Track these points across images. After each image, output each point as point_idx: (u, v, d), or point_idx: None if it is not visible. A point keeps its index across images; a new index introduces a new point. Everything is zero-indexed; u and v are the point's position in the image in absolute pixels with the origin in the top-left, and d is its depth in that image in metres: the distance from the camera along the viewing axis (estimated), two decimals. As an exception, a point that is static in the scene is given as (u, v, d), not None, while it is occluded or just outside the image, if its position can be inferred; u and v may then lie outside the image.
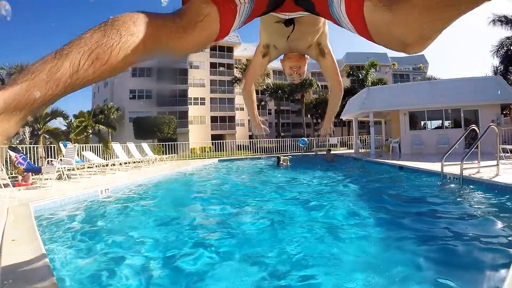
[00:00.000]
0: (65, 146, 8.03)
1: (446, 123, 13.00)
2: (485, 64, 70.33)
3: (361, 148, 16.39)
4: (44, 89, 0.57)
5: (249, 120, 33.55)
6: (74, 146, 7.19)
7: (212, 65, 34.39)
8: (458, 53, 76.34)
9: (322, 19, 1.42)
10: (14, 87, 0.55)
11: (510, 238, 2.33)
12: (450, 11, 0.56)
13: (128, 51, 0.65)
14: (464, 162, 4.54)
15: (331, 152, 11.45)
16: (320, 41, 1.56)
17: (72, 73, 0.59)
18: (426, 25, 0.59)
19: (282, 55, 1.65)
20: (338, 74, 1.75)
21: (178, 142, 17.37)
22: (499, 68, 18.94)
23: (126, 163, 9.90)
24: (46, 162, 7.60)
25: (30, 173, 6.02)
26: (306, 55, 1.63)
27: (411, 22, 0.60)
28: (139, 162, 10.86)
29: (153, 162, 10.88)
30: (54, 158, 8.74)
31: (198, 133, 30.40)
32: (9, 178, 4.80)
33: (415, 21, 0.59)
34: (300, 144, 16.70)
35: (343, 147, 20.29)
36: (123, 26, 0.65)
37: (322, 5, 0.92)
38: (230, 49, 35.65)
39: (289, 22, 1.33)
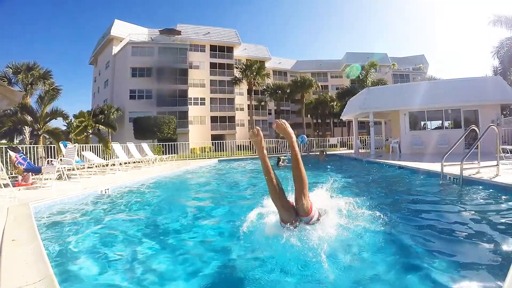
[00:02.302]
0: (65, 146, 8.03)
1: (446, 123, 12.98)
2: (485, 64, 70.29)
3: (361, 148, 16.40)
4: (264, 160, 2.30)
5: (249, 120, 33.30)
6: (74, 146, 7.19)
7: (212, 65, 34.39)
8: (458, 53, 76.37)
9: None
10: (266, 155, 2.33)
11: (510, 238, 2.33)
12: (302, 190, 2.26)
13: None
14: (464, 162, 4.54)
15: (324, 153, 13.10)
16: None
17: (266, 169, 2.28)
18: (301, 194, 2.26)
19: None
20: None
21: (178, 142, 17.37)
22: (499, 68, 18.95)
23: (126, 163, 9.90)
24: (46, 162, 7.62)
25: (30, 173, 6.02)
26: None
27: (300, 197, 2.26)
28: (139, 162, 10.87)
29: (153, 162, 10.88)
30: (54, 158, 8.75)
31: (198, 133, 30.38)
32: (9, 178, 4.80)
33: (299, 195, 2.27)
34: (298, 142, 16.58)
35: (343, 147, 20.29)
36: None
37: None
38: (230, 49, 35.62)
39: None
